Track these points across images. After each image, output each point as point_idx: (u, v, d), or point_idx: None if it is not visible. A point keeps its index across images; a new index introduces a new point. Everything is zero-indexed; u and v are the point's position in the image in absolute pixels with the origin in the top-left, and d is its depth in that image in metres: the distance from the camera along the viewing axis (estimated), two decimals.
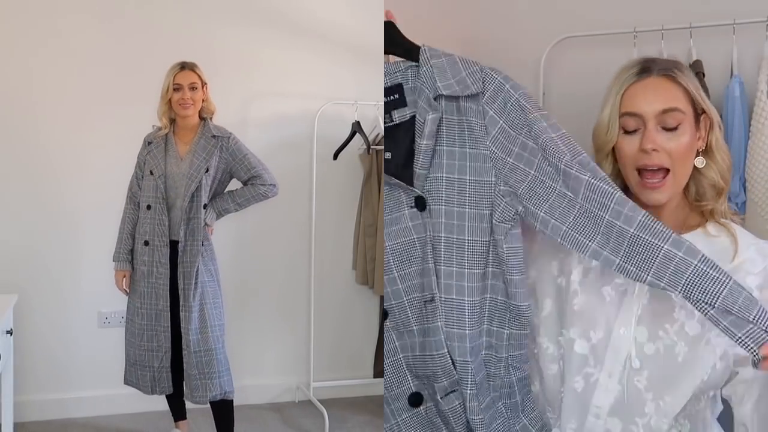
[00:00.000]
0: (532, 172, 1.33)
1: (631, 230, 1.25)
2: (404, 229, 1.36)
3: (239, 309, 3.57)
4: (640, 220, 1.26)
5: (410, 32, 2.20)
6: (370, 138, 3.51)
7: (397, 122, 1.39)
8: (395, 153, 1.39)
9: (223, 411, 2.74)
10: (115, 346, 3.23)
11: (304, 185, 3.60)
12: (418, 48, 1.40)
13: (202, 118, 2.82)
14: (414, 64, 1.39)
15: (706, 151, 1.45)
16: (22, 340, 3.10)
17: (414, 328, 1.39)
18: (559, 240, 1.32)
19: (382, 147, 3.42)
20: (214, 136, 2.78)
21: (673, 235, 1.26)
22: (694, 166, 1.45)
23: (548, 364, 1.52)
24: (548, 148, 1.31)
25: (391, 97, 1.39)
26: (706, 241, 1.45)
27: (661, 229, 1.26)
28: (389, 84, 1.39)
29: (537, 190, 1.32)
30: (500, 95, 1.34)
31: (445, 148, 1.36)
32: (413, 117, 1.37)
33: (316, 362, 3.57)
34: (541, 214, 1.32)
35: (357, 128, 3.47)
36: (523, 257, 1.38)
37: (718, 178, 1.45)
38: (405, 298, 1.39)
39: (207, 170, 2.74)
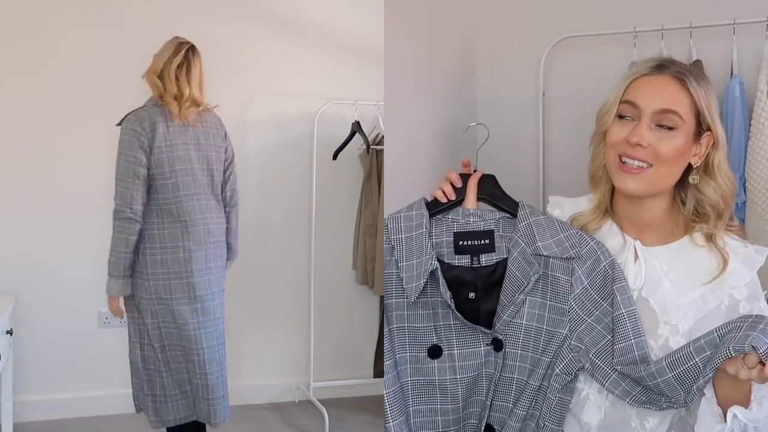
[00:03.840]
0: (609, 337, 1.40)
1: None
2: (477, 365, 1.47)
3: (239, 309, 3.57)
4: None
5: (410, 32, 2.19)
6: (370, 138, 3.51)
7: (483, 265, 1.49)
8: (480, 294, 1.47)
9: None
10: (115, 346, 3.24)
11: (304, 185, 3.60)
12: (515, 203, 1.51)
13: None
14: (507, 215, 1.50)
15: (705, 170, 1.42)
16: (22, 340, 3.10)
17: None
18: (616, 393, 1.39)
19: (382, 147, 3.43)
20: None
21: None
22: (692, 185, 1.43)
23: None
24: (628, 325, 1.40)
25: (482, 242, 1.49)
26: (691, 251, 1.43)
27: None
28: (482, 228, 1.49)
29: (608, 351, 1.40)
30: (591, 258, 1.44)
31: (528, 297, 1.45)
32: (499, 263, 1.48)
33: (316, 362, 3.57)
34: (609, 371, 1.40)
35: (357, 128, 3.47)
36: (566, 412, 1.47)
37: (718, 199, 1.42)
38: (462, 424, 1.50)
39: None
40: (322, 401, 3.37)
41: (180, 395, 2.54)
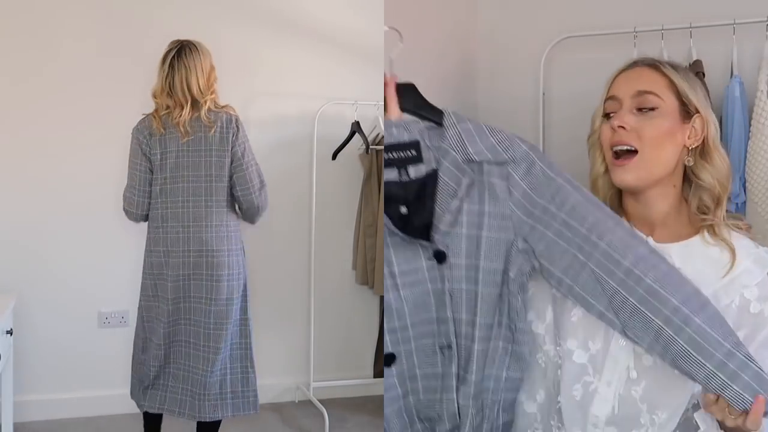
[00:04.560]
0: (550, 234, 1.40)
1: (632, 299, 1.34)
2: (421, 279, 1.42)
3: None
4: (642, 292, 1.34)
5: (410, 32, 2.19)
6: (370, 138, 3.51)
7: (413, 178, 1.44)
8: (413, 209, 1.44)
9: None
10: (115, 346, 3.24)
11: (304, 185, 3.60)
12: (440, 111, 1.46)
13: None
14: (433, 125, 1.45)
15: (702, 154, 1.45)
16: (22, 340, 3.10)
17: (418, 372, 1.45)
18: (570, 299, 1.42)
19: (382, 147, 3.42)
20: None
21: (677, 305, 1.32)
22: (690, 171, 1.45)
23: (554, 370, 1.52)
24: (572, 215, 1.40)
25: (408, 153, 1.44)
26: (703, 250, 1.44)
27: (665, 296, 1.33)
28: (407, 139, 1.44)
29: (554, 250, 1.40)
30: (525, 162, 1.43)
31: (466, 205, 1.43)
32: (429, 174, 1.43)
33: (316, 362, 3.57)
34: (557, 273, 1.41)
35: (357, 128, 3.47)
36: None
37: (714, 183, 1.44)
38: (413, 344, 1.44)
39: None
40: (322, 401, 3.37)
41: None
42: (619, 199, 1.53)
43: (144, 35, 3.32)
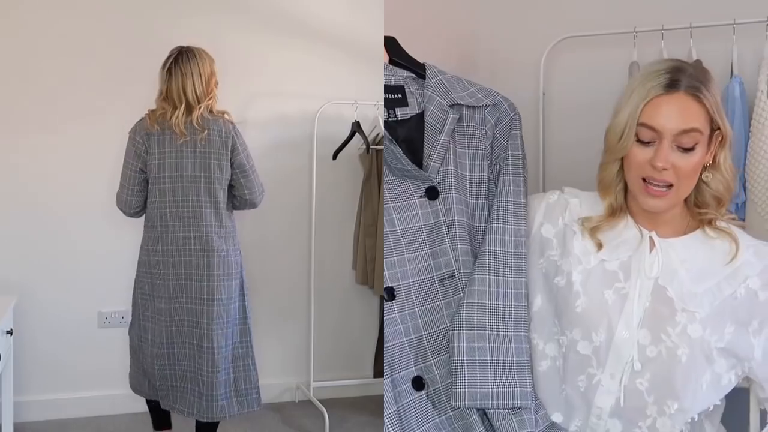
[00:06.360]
0: (503, 178, 1.61)
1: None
2: (414, 216, 1.53)
3: None
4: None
5: (410, 32, 2.19)
6: (370, 138, 3.51)
7: (399, 118, 1.60)
8: (403, 146, 1.57)
9: None
10: (115, 346, 3.24)
11: (304, 185, 3.60)
12: (420, 63, 1.65)
13: None
14: (412, 75, 1.64)
15: (713, 165, 1.46)
16: (22, 340, 3.10)
17: (417, 309, 1.52)
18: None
19: (382, 147, 3.42)
20: None
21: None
22: (701, 179, 1.46)
23: (539, 361, 1.53)
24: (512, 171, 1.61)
25: (394, 95, 1.61)
26: (705, 242, 1.46)
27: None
28: (393, 83, 1.60)
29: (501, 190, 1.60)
30: (499, 110, 1.64)
31: (450, 146, 1.58)
32: (414, 116, 1.60)
33: (316, 362, 3.57)
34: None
35: (357, 128, 3.47)
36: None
37: (722, 190, 1.46)
38: (411, 280, 1.51)
39: None
40: (322, 401, 3.37)
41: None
42: (624, 194, 1.54)
43: (147, 37, 3.32)
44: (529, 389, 1.48)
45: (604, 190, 1.53)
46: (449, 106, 1.59)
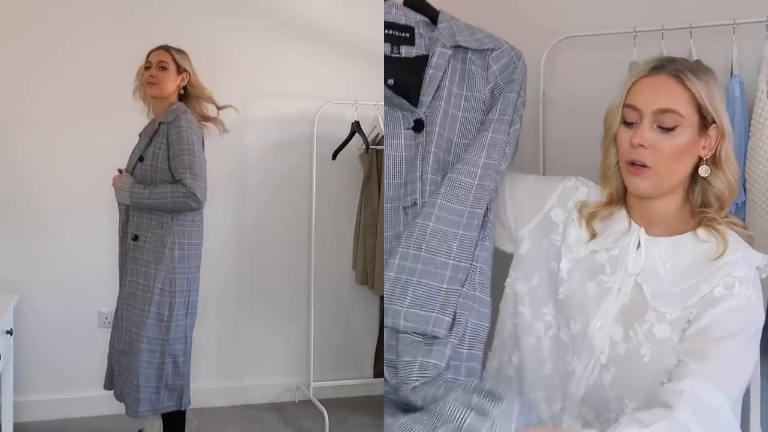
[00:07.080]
0: (489, 116, 1.62)
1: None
2: (397, 144, 1.58)
3: (239, 309, 3.57)
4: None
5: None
6: (370, 138, 3.51)
7: (403, 56, 1.64)
8: (398, 81, 1.60)
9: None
10: None
11: (304, 185, 3.60)
12: (436, 10, 1.68)
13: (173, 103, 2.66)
14: (427, 20, 1.66)
15: (714, 162, 1.45)
16: (22, 340, 3.10)
17: (385, 234, 1.58)
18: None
19: (382, 147, 3.43)
20: (161, 122, 2.59)
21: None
22: (701, 177, 1.46)
23: (527, 335, 1.54)
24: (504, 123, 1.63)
25: (402, 34, 1.64)
26: (694, 244, 1.45)
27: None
28: (403, 22, 1.64)
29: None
30: (504, 57, 1.67)
31: (446, 85, 1.61)
32: (419, 57, 1.64)
33: (316, 362, 3.57)
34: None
35: (356, 128, 3.47)
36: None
37: (725, 189, 1.45)
38: (391, 204, 1.58)
39: (141, 159, 2.59)
40: (322, 401, 3.37)
41: None
42: (624, 191, 1.54)
43: (141, 35, 3.31)
44: (447, 319, 1.44)
45: (604, 180, 1.55)
46: (453, 48, 1.62)
